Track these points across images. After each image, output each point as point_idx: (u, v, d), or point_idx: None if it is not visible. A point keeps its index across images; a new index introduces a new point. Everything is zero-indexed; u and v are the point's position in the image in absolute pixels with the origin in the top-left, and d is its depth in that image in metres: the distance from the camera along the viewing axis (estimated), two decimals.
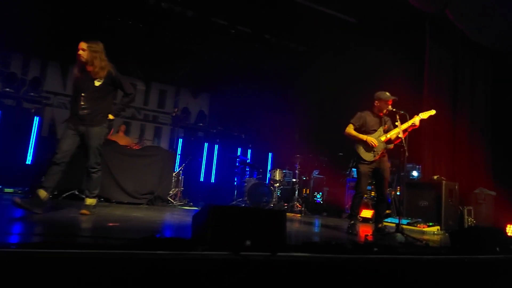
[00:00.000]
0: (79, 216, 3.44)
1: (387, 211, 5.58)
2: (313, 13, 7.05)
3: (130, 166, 5.68)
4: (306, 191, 7.85)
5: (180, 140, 8.94)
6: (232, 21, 7.93)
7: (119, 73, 3.60)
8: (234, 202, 7.10)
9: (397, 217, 4.25)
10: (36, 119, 7.13)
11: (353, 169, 6.88)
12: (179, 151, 8.47)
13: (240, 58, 8.86)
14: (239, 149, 9.61)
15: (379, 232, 4.04)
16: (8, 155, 6.48)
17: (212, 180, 9.29)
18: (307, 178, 7.86)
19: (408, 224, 5.19)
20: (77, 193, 5.18)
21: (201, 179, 9.13)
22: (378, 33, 6.89)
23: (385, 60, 6.66)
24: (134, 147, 6.45)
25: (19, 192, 5.44)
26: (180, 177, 6.57)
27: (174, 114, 8.47)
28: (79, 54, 3.44)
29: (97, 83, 3.49)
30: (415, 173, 6.41)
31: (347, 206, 6.71)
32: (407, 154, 3.86)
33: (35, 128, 7.08)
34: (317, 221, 5.78)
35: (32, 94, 7.61)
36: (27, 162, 6.80)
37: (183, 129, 9.15)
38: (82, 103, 3.44)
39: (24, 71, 7.78)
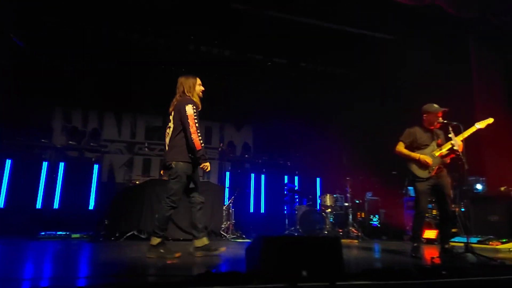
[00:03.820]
0: (139, 256, 3.57)
1: (453, 230, 5.16)
2: (348, 35, 7.10)
3: (182, 203, 5.85)
4: (361, 215, 7.52)
5: (228, 173, 9.12)
6: (268, 54, 8.21)
7: None
8: (286, 232, 6.98)
9: (465, 236, 3.90)
10: (95, 167, 7.71)
11: (409, 187, 6.52)
12: (227, 184, 8.62)
13: (278, 88, 9.03)
14: (286, 177, 9.55)
15: (447, 253, 3.73)
16: (72, 202, 7.06)
17: (262, 211, 9.24)
18: (361, 201, 7.56)
19: (478, 242, 4.73)
20: (136, 233, 5.43)
21: (251, 210, 9.13)
22: (418, 46, 6.70)
23: (429, 72, 6.43)
24: None
25: (85, 236, 5.80)
26: (230, 210, 6.63)
27: (220, 149, 8.74)
28: (203, 91, 3.70)
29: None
30: (479, 186, 5.91)
31: (407, 228, 6.31)
32: (466, 167, 3.60)
33: (95, 175, 7.63)
34: (377, 246, 5.47)
35: (92, 144, 8.30)
36: (90, 208, 7.30)
37: (230, 162, 9.36)
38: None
39: (84, 123, 8.53)
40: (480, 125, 3.86)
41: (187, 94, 3.56)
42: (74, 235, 5.85)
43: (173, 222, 5.64)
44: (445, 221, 3.99)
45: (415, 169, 3.92)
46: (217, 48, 7.90)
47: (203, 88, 3.68)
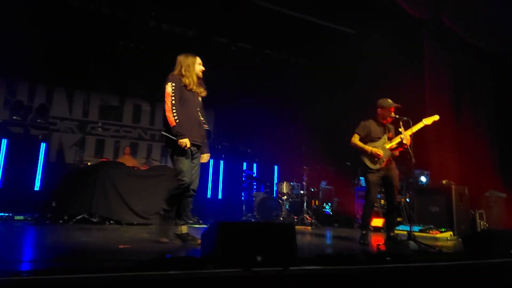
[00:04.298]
0: (91, 240, 3.44)
1: (398, 219, 5.52)
2: (312, 26, 7.19)
3: (138, 187, 5.70)
4: (315, 202, 7.79)
5: None
6: (233, 39, 8.08)
7: None
8: (243, 218, 7.06)
9: (409, 225, 4.19)
10: (42, 145, 7.22)
11: (361, 178, 6.84)
12: None
13: (242, 74, 8.97)
14: (245, 164, 9.61)
15: (391, 240, 3.99)
16: (16, 182, 6.58)
17: (220, 197, 9.26)
18: (315, 189, 7.82)
19: (420, 231, 5.12)
20: (86, 216, 5.21)
21: (208, 196, 9.11)
22: (377, 42, 6.94)
23: (386, 66, 6.70)
24: (142, 167, 6.50)
25: (29, 219, 5.47)
26: None
27: None
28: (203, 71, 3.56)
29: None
30: (423, 179, 6.35)
31: (358, 216, 6.65)
32: (413, 160, 3.84)
33: (42, 154, 7.16)
34: (328, 233, 5.72)
35: (39, 120, 7.74)
36: (35, 189, 6.86)
37: None
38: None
39: (30, 98, 7.92)
40: (427, 121, 4.12)
41: (185, 73, 3.43)
42: (17, 217, 5.50)
43: (127, 206, 5.49)
44: (391, 211, 4.25)
45: (366, 160, 4.11)
46: (180, 28, 7.62)
47: (203, 68, 3.56)
